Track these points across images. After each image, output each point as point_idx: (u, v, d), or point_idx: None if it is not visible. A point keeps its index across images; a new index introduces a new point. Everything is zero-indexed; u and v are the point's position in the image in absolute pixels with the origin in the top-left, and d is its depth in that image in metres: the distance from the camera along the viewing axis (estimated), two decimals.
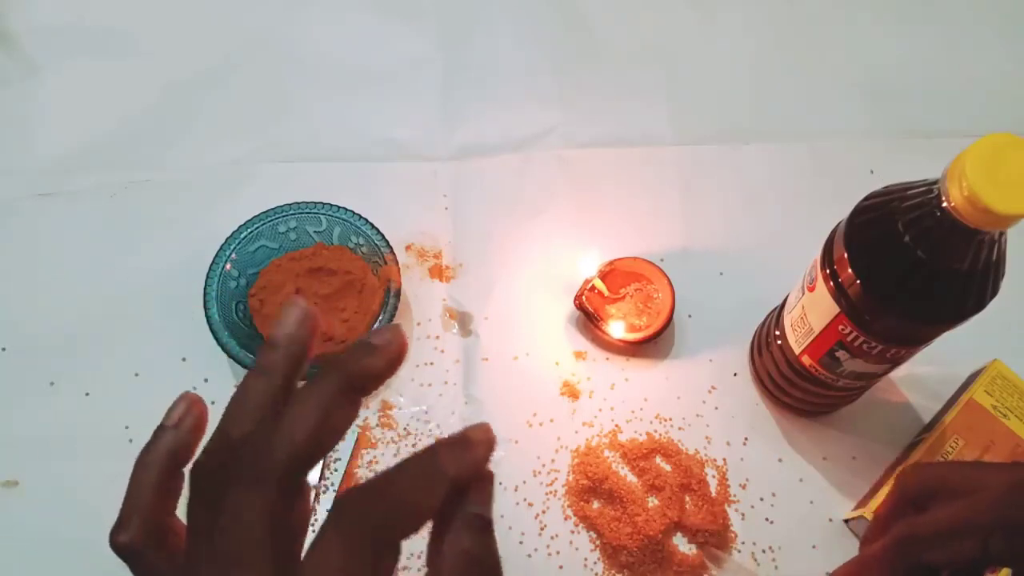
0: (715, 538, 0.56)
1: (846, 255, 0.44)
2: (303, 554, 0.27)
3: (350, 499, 0.27)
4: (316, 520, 0.56)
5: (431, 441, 0.59)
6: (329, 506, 0.56)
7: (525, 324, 0.64)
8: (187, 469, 0.32)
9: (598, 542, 0.56)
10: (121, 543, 0.30)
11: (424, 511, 0.27)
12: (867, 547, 0.40)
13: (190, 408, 0.33)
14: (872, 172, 0.69)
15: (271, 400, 0.29)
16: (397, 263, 0.62)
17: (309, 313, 0.31)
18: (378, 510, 0.27)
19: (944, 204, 0.39)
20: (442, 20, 0.76)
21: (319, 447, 0.28)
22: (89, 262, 0.65)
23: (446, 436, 0.29)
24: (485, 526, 0.28)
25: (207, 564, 0.26)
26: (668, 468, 0.58)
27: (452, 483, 0.28)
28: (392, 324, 0.29)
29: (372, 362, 0.29)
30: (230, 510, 0.26)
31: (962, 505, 0.37)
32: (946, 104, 0.73)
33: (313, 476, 0.57)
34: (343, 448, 0.58)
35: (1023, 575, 0.36)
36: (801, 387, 0.56)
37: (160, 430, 0.32)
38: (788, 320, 0.54)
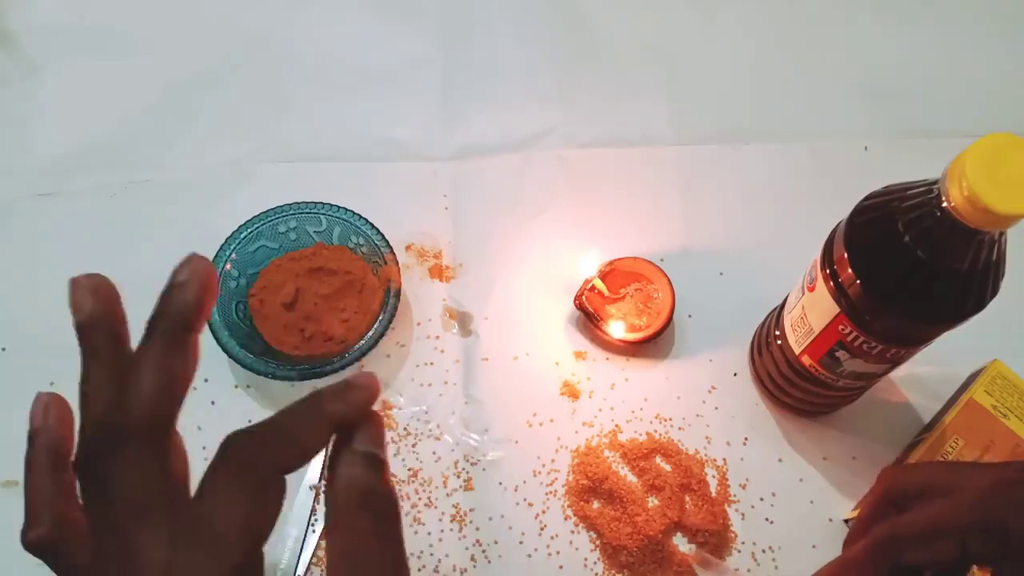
0: (715, 538, 0.56)
1: (846, 255, 0.44)
2: (193, 494, 0.29)
3: (235, 438, 0.29)
4: (316, 519, 0.56)
5: (432, 441, 0.59)
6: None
7: (525, 324, 0.64)
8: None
9: (598, 542, 0.56)
10: (33, 540, 0.31)
11: (306, 447, 0.30)
12: (849, 548, 0.40)
13: (47, 407, 0.35)
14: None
15: (110, 378, 0.30)
16: (397, 263, 0.62)
17: (96, 284, 0.32)
18: (262, 446, 0.29)
19: (944, 204, 0.39)
20: (442, 20, 0.76)
21: (169, 394, 0.29)
22: (89, 262, 0.64)
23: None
24: (373, 461, 0.30)
25: (109, 534, 0.28)
26: (668, 468, 0.58)
27: (335, 423, 0.30)
28: (191, 256, 0.32)
29: (181, 297, 0.31)
30: (113, 477, 0.28)
31: (942, 506, 0.37)
32: (946, 104, 0.73)
33: (313, 476, 0.57)
34: None
35: (1004, 575, 0.36)
36: (801, 387, 0.56)
37: (30, 435, 0.34)
38: (788, 320, 0.54)
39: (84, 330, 0.31)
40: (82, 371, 0.30)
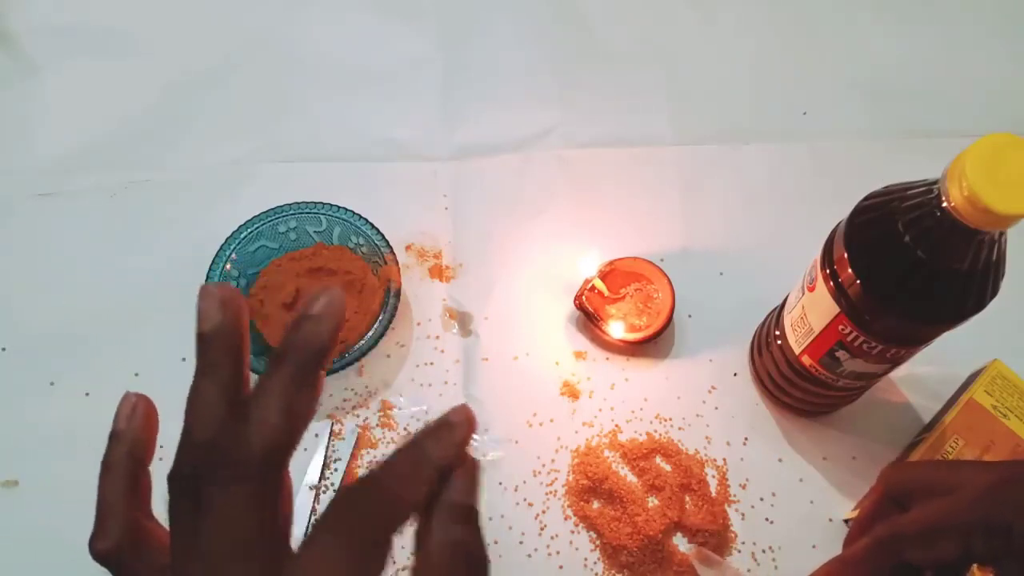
0: (715, 538, 0.56)
1: (846, 255, 0.44)
2: (295, 549, 0.27)
3: (342, 496, 0.27)
4: (315, 519, 0.56)
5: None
6: None
7: (525, 324, 0.64)
8: (153, 469, 0.32)
9: (598, 542, 0.56)
10: (102, 550, 0.30)
11: (413, 503, 0.27)
12: (850, 546, 0.40)
13: (135, 407, 0.33)
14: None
15: (225, 397, 0.28)
16: (397, 263, 0.62)
17: (226, 297, 0.29)
18: (369, 506, 0.27)
19: (944, 204, 0.39)
20: (442, 20, 0.76)
21: (290, 435, 0.27)
22: (89, 262, 0.65)
23: (428, 424, 0.29)
24: (470, 514, 0.28)
25: (196, 563, 0.26)
26: (668, 468, 0.58)
27: (438, 471, 0.28)
28: (325, 288, 0.29)
29: (316, 333, 0.28)
30: (215, 508, 0.26)
31: (943, 505, 0.37)
32: (946, 104, 0.73)
33: (313, 476, 0.57)
34: (343, 448, 0.58)
35: (1007, 574, 0.36)
36: (801, 387, 0.56)
37: (112, 435, 0.32)
38: (788, 320, 0.54)
39: (207, 342, 0.29)
40: (194, 383, 0.29)
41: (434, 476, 0.28)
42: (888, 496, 0.41)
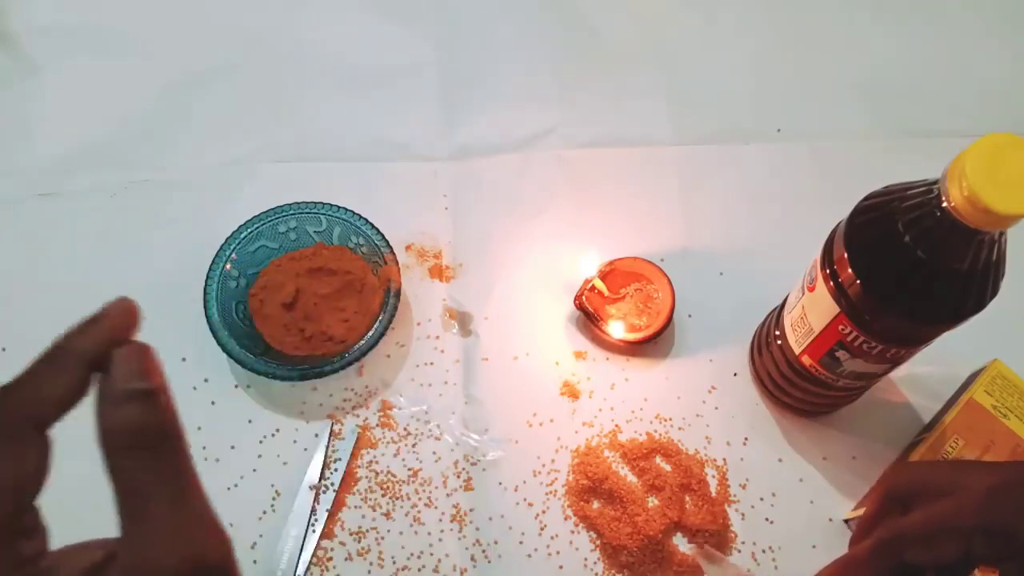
0: (715, 538, 0.56)
1: (846, 255, 0.44)
2: None
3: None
4: (316, 519, 0.56)
5: (432, 441, 0.59)
6: (329, 505, 0.57)
7: (525, 324, 0.64)
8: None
9: (598, 542, 0.56)
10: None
11: (58, 395, 0.27)
12: (853, 547, 0.40)
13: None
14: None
15: None
16: (397, 263, 0.62)
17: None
18: (5, 398, 0.27)
19: (944, 204, 0.39)
20: (442, 20, 0.76)
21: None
22: (89, 262, 0.65)
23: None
24: (135, 395, 0.27)
25: None
26: (668, 468, 0.58)
27: (86, 362, 0.28)
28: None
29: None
30: None
31: (944, 506, 0.37)
32: (946, 104, 0.73)
33: (313, 476, 0.57)
34: (343, 448, 0.58)
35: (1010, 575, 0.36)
36: (801, 387, 0.56)
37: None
38: (788, 320, 0.54)
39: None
40: None
41: (78, 365, 0.28)
42: (890, 497, 0.41)
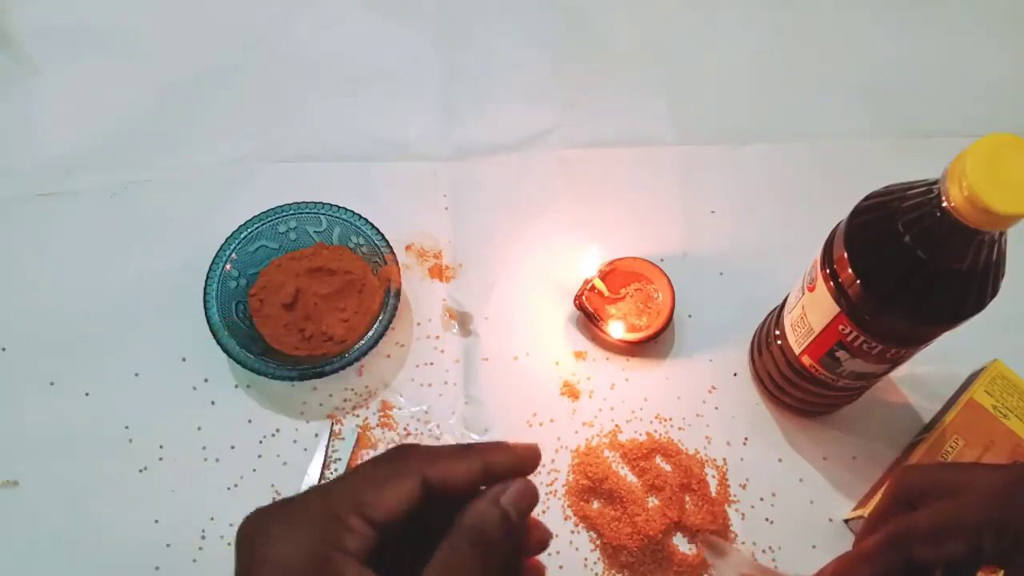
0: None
1: (846, 255, 0.44)
2: None
3: (402, 444, 0.33)
4: None
5: (432, 441, 0.59)
6: None
7: (525, 324, 0.64)
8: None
9: (598, 542, 0.56)
10: None
11: (451, 468, 0.31)
12: (860, 543, 0.40)
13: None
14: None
15: None
16: (397, 263, 0.62)
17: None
18: (414, 452, 0.32)
19: (944, 204, 0.39)
20: (442, 20, 0.76)
21: None
22: (89, 262, 0.65)
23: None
24: (504, 517, 0.31)
25: None
26: (668, 468, 0.58)
27: (486, 469, 0.32)
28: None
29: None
30: None
31: (953, 504, 0.37)
32: (946, 104, 0.73)
33: (313, 476, 0.57)
34: (343, 448, 0.58)
35: (1016, 574, 0.36)
36: (801, 387, 0.56)
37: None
38: (788, 320, 0.54)
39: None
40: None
41: (480, 463, 0.32)
42: (899, 497, 0.41)
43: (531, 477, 0.58)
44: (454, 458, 0.32)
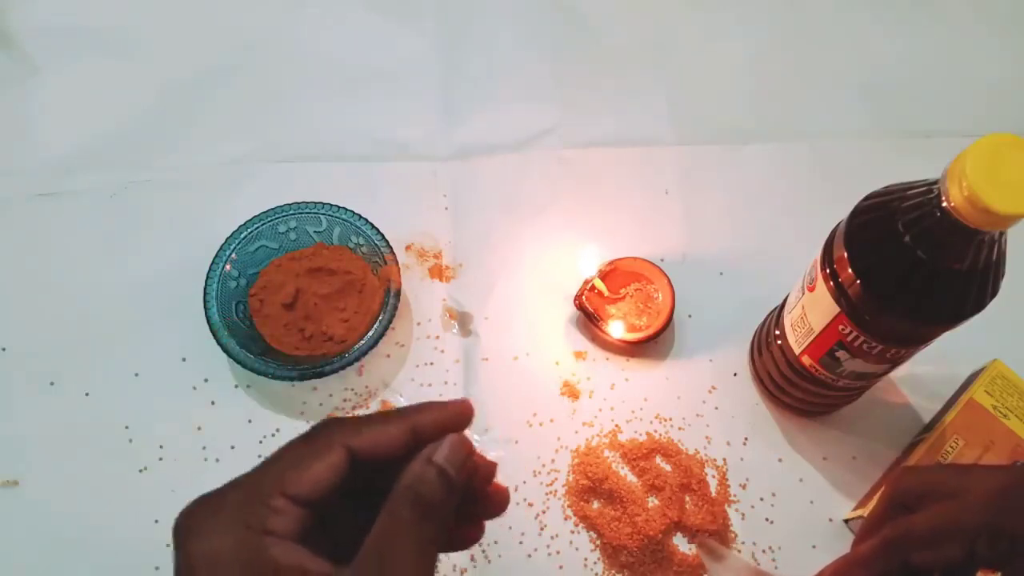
0: (715, 538, 0.56)
1: (846, 255, 0.44)
2: None
3: (324, 420, 0.32)
4: None
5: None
6: None
7: (525, 324, 0.64)
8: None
9: (598, 542, 0.56)
10: None
11: (379, 436, 0.31)
12: (858, 546, 0.40)
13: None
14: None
15: None
16: (397, 263, 0.62)
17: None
18: (339, 421, 0.32)
19: (944, 204, 0.39)
20: (441, 20, 0.76)
21: None
22: (89, 262, 0.65)
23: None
24: (441, 474, 0.31)
25: None
26: (668, 468, 0.58)
27: (415, 429, 0.32)
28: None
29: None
30: None
31: (950, 508, 0.37)
32: (946, 104, 0.73)
33: None
34: None
35: None
36: (801, 387, 0.56)
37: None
38: (788, 320, 0.54)
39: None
40: None
41: (407, 425, 0.32)
42: (896, 499, 0.41)
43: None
44: (380, 424, 0.32)
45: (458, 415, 0.33)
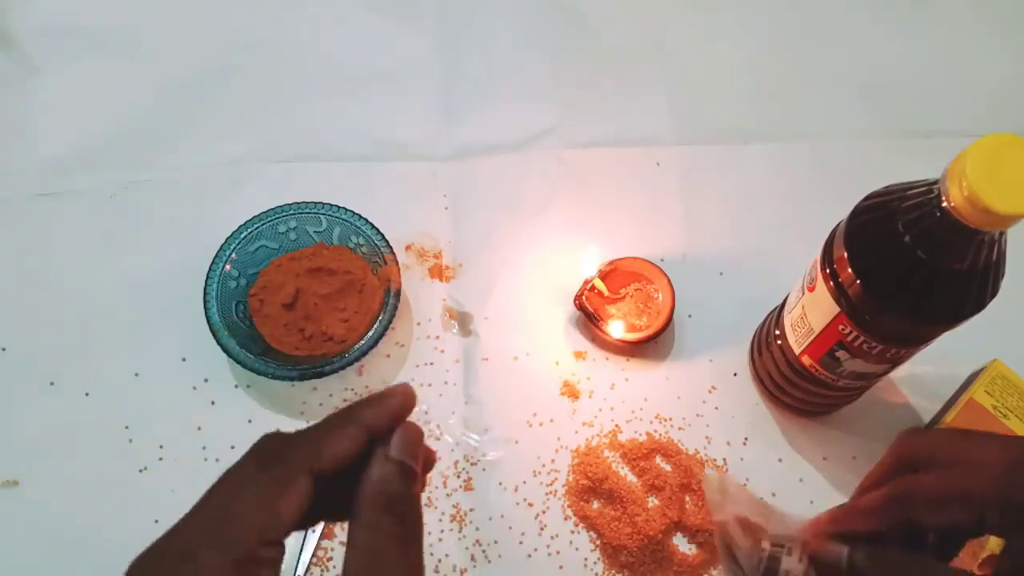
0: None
1: (846, 255, 0.44)
2: None
3: (268, 435, 0.32)
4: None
5: (432, 441, 0.59)
6: None
7: (525, 324, 0.64)
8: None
9: (598, 542, 0.56)
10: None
11: (337, 449, 0.31)
12: (860, 497, 0.40)
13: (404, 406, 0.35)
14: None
15: None
16: (397, 263, 0.62)
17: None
18: (291, 445, 0.31)
19: (944, 204, 0.39)
20: (441, 20, 0.76)
21: None
22: (89, 262, 0.65)
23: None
24: (403, 469, 0.31)
25: None
26: (668, 468, 0.58)
27: (368, 429, 0.31)
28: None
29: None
30: None
31: (961, 474, 0.37)
32: (946, 104, 0.73)
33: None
34: None
35: (1017, 548, 0.37)
36: (801, 387, 0.56)
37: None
38: (788, 320, 0.54)
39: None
40: None
41: (361, 430, 0.31)
42: (902, 461, 0.41)
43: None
44: (336, 435, 0.31)
45: (404, 403, 0.33)
